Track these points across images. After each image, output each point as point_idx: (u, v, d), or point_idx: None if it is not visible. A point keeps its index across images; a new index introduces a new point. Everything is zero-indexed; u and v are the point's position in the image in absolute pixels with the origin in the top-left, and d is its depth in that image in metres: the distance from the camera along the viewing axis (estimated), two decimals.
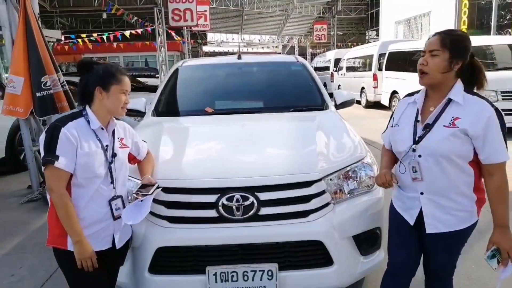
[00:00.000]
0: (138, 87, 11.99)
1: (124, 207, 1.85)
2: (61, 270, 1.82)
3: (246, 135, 2.71)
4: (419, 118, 1.77)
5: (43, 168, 1.67)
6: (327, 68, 20.07)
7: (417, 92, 1.86)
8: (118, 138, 1.86)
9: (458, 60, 1.68)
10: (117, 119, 1.91)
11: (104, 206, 1.77)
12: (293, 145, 2.36)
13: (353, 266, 2.17)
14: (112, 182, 1.79)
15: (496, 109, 1.66)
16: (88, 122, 1.74)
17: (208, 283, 2.01)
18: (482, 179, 1.77)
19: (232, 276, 2.01)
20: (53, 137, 1.64)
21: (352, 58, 16.42)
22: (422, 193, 1.78)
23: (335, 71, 18.34)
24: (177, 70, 3.90)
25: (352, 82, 15.64)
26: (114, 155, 1.80)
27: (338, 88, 17.24)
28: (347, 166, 2.24)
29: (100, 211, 1.76)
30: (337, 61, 18.53)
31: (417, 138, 1.74)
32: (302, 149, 2.20)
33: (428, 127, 1.72)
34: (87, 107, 1.77)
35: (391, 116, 1.97)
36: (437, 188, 1.74)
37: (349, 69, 16.57)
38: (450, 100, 1.70)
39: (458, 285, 2.69)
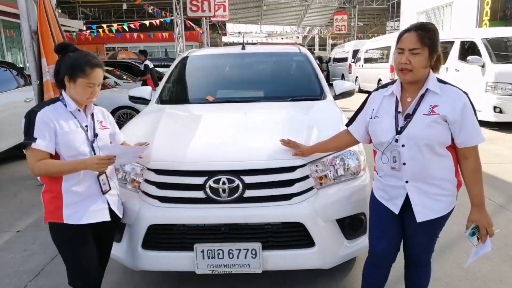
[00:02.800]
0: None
1: (108, 182, 1.97)
2: (55, 245, 1.92)
3: (238, 122, 2.82)
4: (400, 109, 1.82)
5: (24, 151, 1.79)
6: (345, 60, 19.88)
7: (391, 83, 1.92)
8: (97, 120, 1.98)
9: (435, 54, 1.75)
10: (94, 104, 2.02)
11: (94, 182, 1.90)
12: (282, 132, 2.45)
13: (336, 248, 2.26)
14: None
15: (467, 96, 1.76)
16: (65, 105, 1.86)
17: (196, 259, 2.15)
18: None
19: (218, 253, 2.14)
20: (31, 121, 1.76)
21: (370, 49, 16.23)
22: (407, 182, 1.82)
23: (353, 62, 18.17)
24: (182, 60, 4.04)
25: (369, 74, 15.49)
26: (95, 135, 1.92)
27: (356, 80, 17.09)
28: (333, 153, 2.32)
29: (92, 186, 1.90)
30: (355, 52, 18.33)
31: (399, 129, 1.79)
32: (289, 136, 2.29)
33: (409, 117, 1.78)
34: (63, 92, 1.89)
35: (360, 109, 2.03)
36: (422, 175, 1.80)
37: (366, 60, 16.39)
38: (426, 90, 1.78)
39: (447, 273, 2.78)
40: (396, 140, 1.80)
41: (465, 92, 1.77)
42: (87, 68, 1.81)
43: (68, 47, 1.90)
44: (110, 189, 1.96)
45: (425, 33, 1.71)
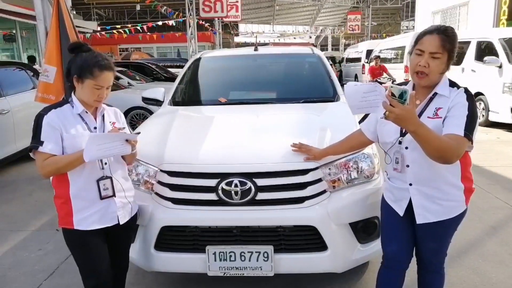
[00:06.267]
0: (168, 77, 12.41)
1: (113, 189, 1.88)
2: (69, 248, 1.94)
3: (251, 124, 2.82)
4: None
5: (31, 154, 1.80)
6: (358, 60, 19.72)
7: (404, 84, 1.89)
8: (110, 122, 1.94)
9: (451, 61, 1.72)
10: (108, 105, 1.99)
11: (96, 185, 1.84)
12: (294, 134, 2.44)
13: (348, 252, 2.24)
14: (103, 163, 1.86)
15: (470, 94, 1.71)
16: (73, 107, 1.84)
17: (208, 261, 2.16)
18: (470, 168, 1.82)
19: (230, 256, 2.15)
20: (38, 125, 1.76)
21: (384, 49, 16.06)
22: (411, 184, 1.82)
23: (367, 62, 18.01)
24: (195, 61, 4.06)
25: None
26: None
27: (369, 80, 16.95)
28: (346, 156, 2.30)
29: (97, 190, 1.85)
30: (369, 53, 18.12)
31: (404, 131, 1.78)
32: (302, 138, 2.27)
33: None
34: (73, 94, 1.86)
35: None
36: (425, 179, 1.78)
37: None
38: (435, 94, 1.75)
39: (462, 278, 2.73)
40: (400, 142, 1.80)
41: (469, 94, 1.70)
42: (96, 70, 1.77)
43: (82, 46, 1.86)
44: (113, 195, 1.88)
45: (447, 37, 1.68)
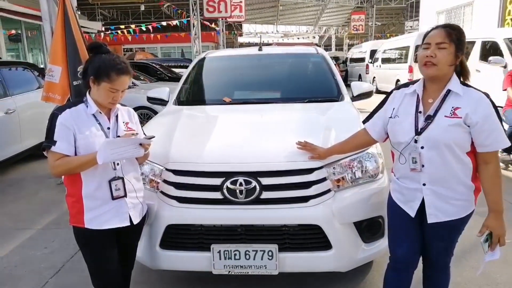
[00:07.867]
0: (172, 77, 12.44)
1: (124, 189, 1.88)
2: (79, 247, 1.96)
3: (255, 123, 2.84)
4: (421, 109, 1.80)
5: (44, 153, 1.80)
6: (362, 60, 19.69)
7: (412, 83, 1.89)
8: (123, 122, 1.95)
9: (460, 53, 1.73)
10: (122, 105, 2.00)
11: (107, 186, 1.84)
12: (299, 133, 2.45)
13: (353, 251, 2.25)
14: (115, 164, 1.86)
15: (491, 100, 1.72)
16: (88, 107, 1.84)
17: (213, 260, 2.17)
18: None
19: (235, 254, 2.16)
20: (52, 124, 1.77)
21: (388, 49, 16.03)
22: (424, 184, 1.81)
23: (371, 62, 17.99)
24: (199, 61, 4.08)
25: (387, 74, 15.29)
26: (118, 137, 1.87)
27: (373, 81, 16.90)
28: (350, 156, 2.30)
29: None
30: (373, 53, 18.14)
31: (419, 130, 1.78)
32: (306, 138, 2.28)
33: (429, 118, 1.76)
34: (87, 94, 1.87)
35: (379, 106, 2.00)
36: (439, 178, 1.78)
37: (384, 60, 16.20)
38: (448, 91, 1.75)
39: (467, 278, 2.73)
40: (415, 141, 1.78)
41: (487, 94, 1.74)
42: (113, 73, 1.78)
43: (101, 47, 1.87)
44: (124, 195, 1.88)
45: (453, 30, 1.71)
